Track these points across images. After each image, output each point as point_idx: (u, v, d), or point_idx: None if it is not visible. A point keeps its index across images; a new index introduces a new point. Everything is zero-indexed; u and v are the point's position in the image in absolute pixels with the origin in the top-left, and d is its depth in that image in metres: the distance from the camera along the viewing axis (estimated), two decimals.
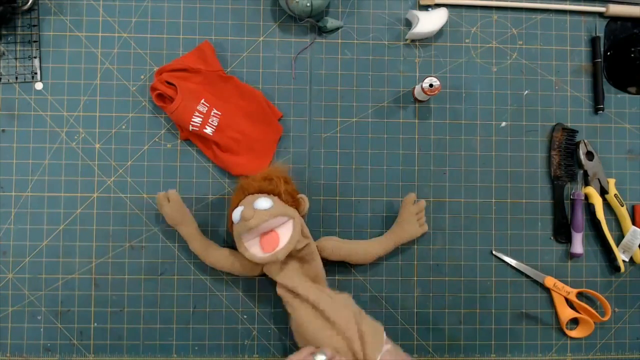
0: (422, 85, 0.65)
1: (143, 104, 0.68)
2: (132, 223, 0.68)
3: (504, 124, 0.71)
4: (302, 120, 0.69)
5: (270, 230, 0.58)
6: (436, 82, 0.65)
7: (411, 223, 0.66)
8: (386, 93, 0.70)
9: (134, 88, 0.68)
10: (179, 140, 0.69)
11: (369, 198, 0.69)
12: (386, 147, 0.70)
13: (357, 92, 0.70)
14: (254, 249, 0.58)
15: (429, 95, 0.65)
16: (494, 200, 0.70)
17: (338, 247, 0.64)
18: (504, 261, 0.70)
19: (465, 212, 0.70)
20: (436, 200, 0.70)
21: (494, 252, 0.70)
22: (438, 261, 0.69)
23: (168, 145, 0.68)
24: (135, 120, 0.68)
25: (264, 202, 0.58)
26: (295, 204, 0.62)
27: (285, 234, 0.58)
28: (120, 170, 0.68)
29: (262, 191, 0.60)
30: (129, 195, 0.68)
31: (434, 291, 0.69)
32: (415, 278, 0.69)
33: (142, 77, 0.68)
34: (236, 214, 0.58)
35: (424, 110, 0.70)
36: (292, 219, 0.59)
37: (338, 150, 0.69)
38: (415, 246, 0.69)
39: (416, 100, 0.70)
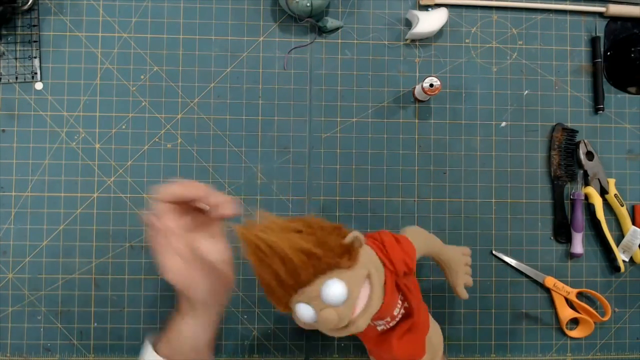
0: (422, 85, 0.65)
1: (143, 104, 0.68)
2: (132, 223, 0.67)
3: (504, 124, 0.71)
4: (302, 120, 0.69)
5: None
6: (437, 82, 0.65)
7: (460, 269, 0.59)
8: (386, 93, 0.70)
9: (134, 88, 0.68)
10: (179, 140, 0.68)
11: (368, 198, 0.69)
12: (386, 147, 0.70)
13: (357, 92, 0.70)
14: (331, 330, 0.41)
15: (429, 95, 0.65)
16: (494, 200, 0.70)
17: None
18: (504, 261, 0.70)
19: (465, 212, 0.70)
20: (436, 200, 0.70)
21: (494, 252, 0.70)
22: None
23: (168, 145, 0.68)
24: (135, 120, 0.68)
25: (339, 294, 0.39)
26: (351, 261, 0.41)
27: (361, 296, 0.42)
28: (120, 170, 0.68)
29: (321, 273, 0.40)
30: (129, 195, 0.68)
31: (434, 291, 0.69)
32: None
33: (142, 77, 0.68)
34: (306, 319, 0.40)
35: (424, 110, 0.70)
36: (367, 280, 0.42)
37: (338, 150, 0.69)
38: None
39: (416, 100, 0.70)
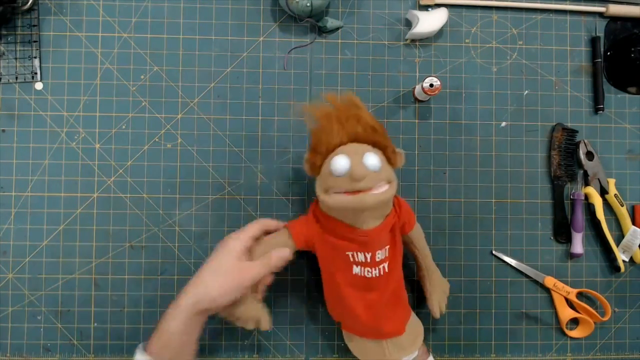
0: (422, 85, 0.65)
1: (143, 104, 0.68)
2: (132, 223, 0.67)
3: (504, 124, 0.71)
4: (303, 120, 0.68)
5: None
6: (437, 82, 0.65)
7: (440, 287, 0.65)
8: (386, 93, 0.70)
9: (134, 88, 0.68)
10: (179, 140, 0.69)
11: None
12: None
13: (357, 92, 0.70)
14: (339, 196, 0.50)
15: (429, 95, 0.65)
16: (494, 200, 0.70)
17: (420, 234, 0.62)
18: (504, 261, 0.70)
19: (465, 212, 0.70)
20: (436, 200, 0.70)
21: (494, 252, 0.70)
22: (438, 261, 0.68)
23: (168, 145, 0.68)
24: (135, 120, 0.68)
25: (374, 160, 0.50)
26: (393, 159, 0.54)
27: (380, 188, 0.51)
28: (120, 170, 0.68)
29: (368, 141, 0.52)
30: (129, 195, 0.68)
31: None
32: (416, 278, 0.69)
33: (142, 77, 0.68)
34: (340, 166, 0.49)
35: (424, 110, 0.70)
36: (390, 185, 0.52)
37: None
38: None
39: (416, 100, 0.70)
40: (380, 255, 0.54)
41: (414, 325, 0.61)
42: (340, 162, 0.49)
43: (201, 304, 0.52)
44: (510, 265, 0.70)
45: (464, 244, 0.70)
